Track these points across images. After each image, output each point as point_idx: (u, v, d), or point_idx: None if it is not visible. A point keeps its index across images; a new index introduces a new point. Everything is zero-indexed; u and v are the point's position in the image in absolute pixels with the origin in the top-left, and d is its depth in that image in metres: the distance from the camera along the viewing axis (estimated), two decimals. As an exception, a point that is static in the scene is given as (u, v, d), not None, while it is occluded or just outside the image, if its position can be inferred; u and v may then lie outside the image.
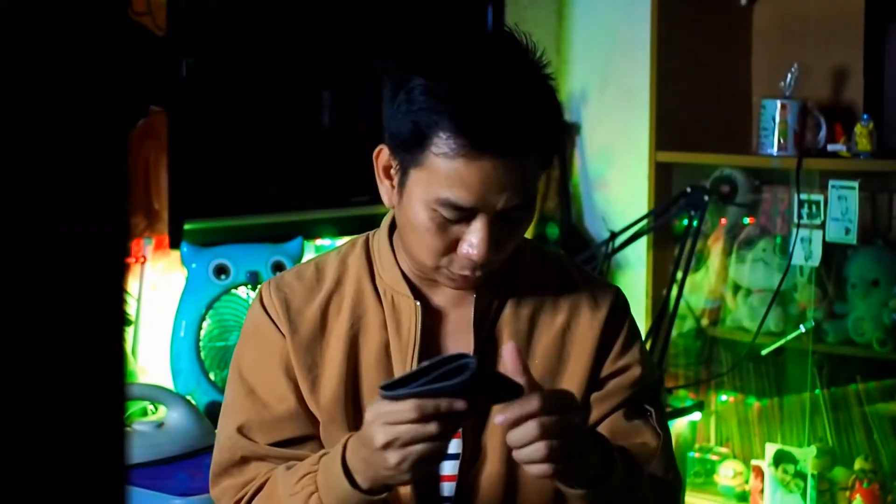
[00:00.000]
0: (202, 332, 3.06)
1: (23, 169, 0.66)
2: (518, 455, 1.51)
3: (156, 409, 2.94)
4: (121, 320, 0.71)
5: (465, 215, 1.60)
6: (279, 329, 1.73)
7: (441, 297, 1.74)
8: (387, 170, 1.68)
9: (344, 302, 1.74)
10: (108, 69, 0.69)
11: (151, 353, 3.11)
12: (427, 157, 1.59)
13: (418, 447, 1.48)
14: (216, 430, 1.81)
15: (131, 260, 3.04)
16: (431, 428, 1.47)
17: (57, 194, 0.67)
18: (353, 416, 1.71)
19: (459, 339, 1.73)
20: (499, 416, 1.50)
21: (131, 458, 2.43)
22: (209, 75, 3.05)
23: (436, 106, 1.57)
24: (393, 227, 1.76)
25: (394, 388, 1.49)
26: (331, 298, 1.75)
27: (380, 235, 1.77)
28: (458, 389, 1.46)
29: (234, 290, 3.08)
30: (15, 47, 0.65)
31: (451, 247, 1.63)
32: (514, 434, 1.49)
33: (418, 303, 1.72)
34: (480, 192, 1.58)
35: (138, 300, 3.10)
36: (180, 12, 2.98)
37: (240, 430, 1.73)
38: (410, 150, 1.60)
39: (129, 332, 3.11)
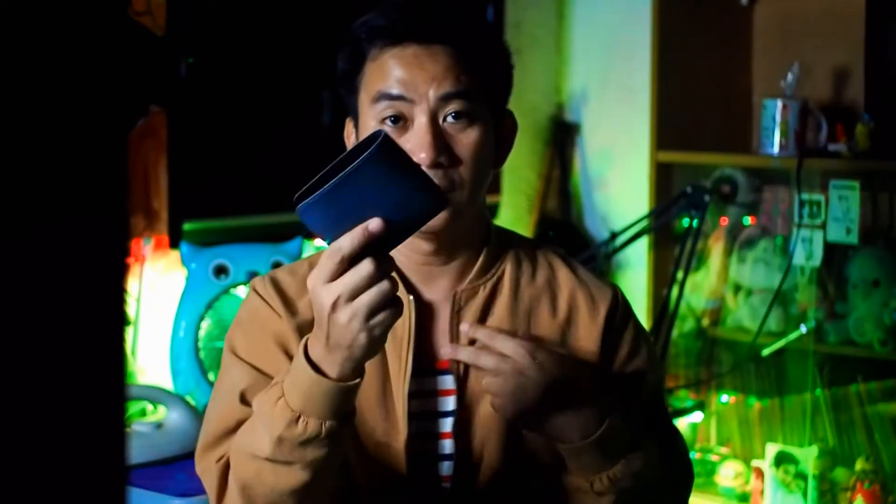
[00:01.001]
0: (201, 333, 3.05)
1: (23, 169, 0.66)
2: (485, 381, 1.62)
3: (155, 409, 2.93)
4: (121, 320, 0.71)
5: (402, 112, 1.65)
6: (276, 313, 1.71)
7: (433, 291, 1.74)
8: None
9: None
10: (108, 69, 0.69)
11: (151, 353, 3.11)
12: (365, 72, 1.68)
13: (365, 298, 1.45)
14: (206, 413, 1.77)
15: (131, 260, 3.04)
16: (364, 268, 1.45)
17: (57, 194, 0.67)
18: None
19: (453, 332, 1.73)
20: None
21: (131, 458, 2.43)
22: (209, 75, 3.05)
23: (364, 21, 1.70)
24: None
25: (305, 196, 1.44)
26: None
27: None
28: (368, 162, 1.40)
29: (233, 290, 3.08)
30: (15, 47, 0.65)
31: None
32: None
33: (411, 297, 1.71)
34: (408, 78, 1.65)
35: (138, 300, 3.10)
36: (180, 12, 2.98)
37: (242, 398, 1.67)
38: (354, 76, 1.70)
39: (128, 332, 3.11)
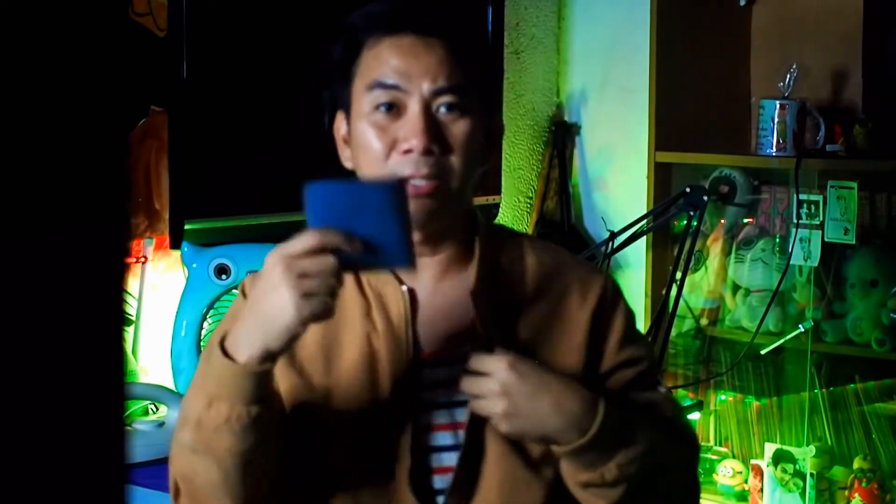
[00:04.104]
0: (203, 332, 3.06)
1: (24, 169, 0.66)
2: (474, 405, 1.63)
3: (157, 408, 2.95)
4: (121, 320, 0.72)
5: (396, 103, 1.67)
6: None
7: (416, 283, 1.74)
8: (345, 137, 1.76)
9: None
10: (109, 70, 0.69)
11: (152, 353, 3.11)
12: (360, 61, 1.71)
13: (314, 281, 1.50)
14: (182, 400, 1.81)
15: (131, 260, 3.05)
16: (328, 260, 1.50)
17: (57, 194, 0.67)
18: (330, 398, 1.71)
19: (439, 327, 1.73)
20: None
21: (132, 457, 2.44)
22: (209, 75, 3.06)
23: (361, 11, 1.74)
24: None
25: (318, 182, 1.56)
26: None
27: None
28: (381, 189, 1.56)
29: (234, 291, 3.08)
30: (16, 48, 0.66)
31: (393, 145, 1.68)
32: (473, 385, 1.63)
33: (404, 287, 1.72)
34: (404, 68, 1.67)
35: (139, 300, 3.11)
36: (181, 13, 2.98)
37: None
38: (350, 65, 1.72)
39: (129, 332, 3.11)
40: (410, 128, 1.66)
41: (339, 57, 1.74)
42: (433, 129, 1.67)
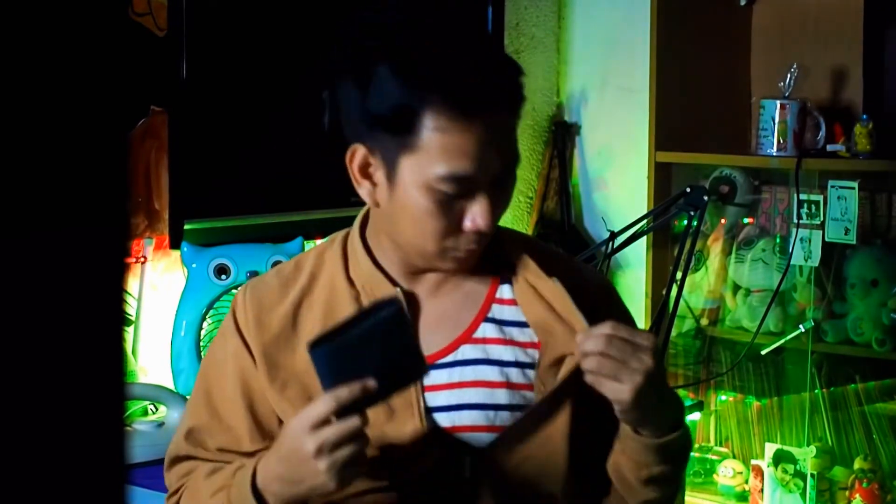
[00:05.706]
0: (203, 332, 3.06)
1: (23, 169, 0.66)
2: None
3: (156, 408, 2.95)
4: (121, 320, 0.71)
5: (466, 188, 1.60)
6: (245, 341, 1.74)
7: (416, 284, 1.74)
8: (364, 169, 1.66)
9: (317, 298, 1.74)
10: (109, 70, 0.69)
11: (152, 353, 3.12)
12: (419, 139, 1.58)
13: (346, 451, 1.53)
14: (181, 419, 1.86)
15: (131, 260, 3.05)
16: (352, 423, 1.53)
17: (57, 195, 0.67)
18: None
19: (438, 330, 1.72)
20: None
21: (132, 457, 2.43)
22: (209, 75, 3.06)
23: (419, 83, 1.58)
24: (364, 225, 1.76)
25: (320, 345, 1.55)
26: (304, 295, 1.74)
27: (352, 233, 1.76)
28: (383, 326, 1.54)
29: (234, 290, 3.08)
30: (15, 48, 0.65)
31: (456, 225, 1.62)
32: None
33: (398, 289, 1.71)
34: (479, 159, 1.58)
35: (138, 300, 3.11)
36: (181, 13, 2.98)
37: (189, 434, 1.77)
38: (399, 137, 1.59)
39: (129, 332, 3.12)
40: (480, 210, 1.61)
41: (388, 114, 1.60)
42: (495, 207, 1.64)
